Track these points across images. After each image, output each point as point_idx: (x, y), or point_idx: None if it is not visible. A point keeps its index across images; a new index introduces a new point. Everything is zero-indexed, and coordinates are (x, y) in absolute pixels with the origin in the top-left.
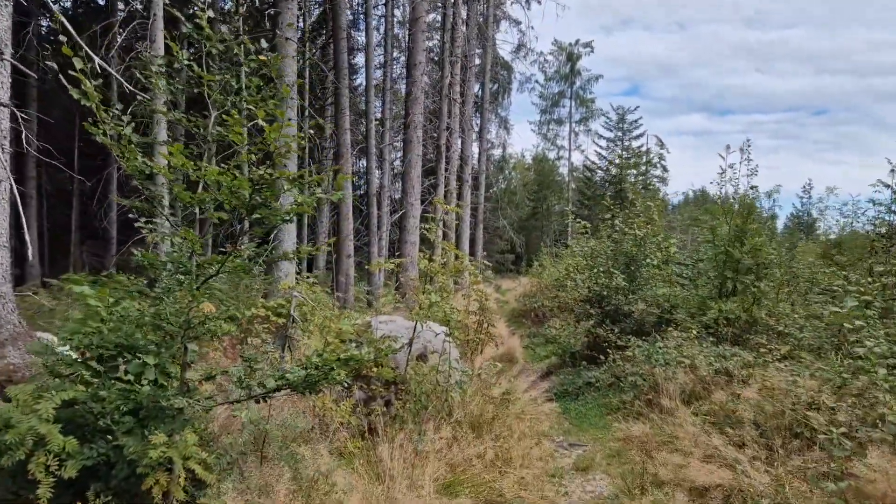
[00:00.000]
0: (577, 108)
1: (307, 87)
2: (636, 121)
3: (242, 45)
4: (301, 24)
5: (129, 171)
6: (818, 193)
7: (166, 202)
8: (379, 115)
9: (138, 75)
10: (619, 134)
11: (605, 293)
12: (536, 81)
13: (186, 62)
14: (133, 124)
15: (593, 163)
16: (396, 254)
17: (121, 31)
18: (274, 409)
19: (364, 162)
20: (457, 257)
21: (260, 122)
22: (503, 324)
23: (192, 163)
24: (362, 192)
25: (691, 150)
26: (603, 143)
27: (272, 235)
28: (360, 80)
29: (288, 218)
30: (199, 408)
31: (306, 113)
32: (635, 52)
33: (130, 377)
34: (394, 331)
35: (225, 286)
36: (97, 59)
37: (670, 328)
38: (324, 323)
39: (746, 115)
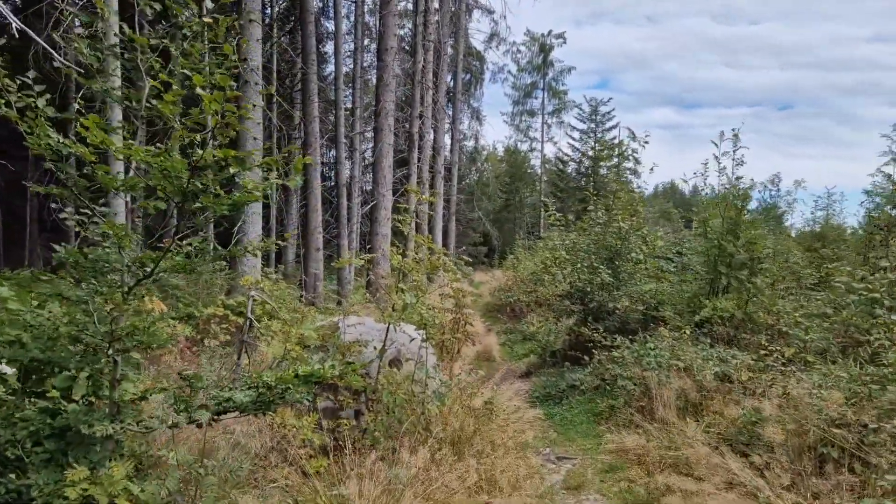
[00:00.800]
0: (550, 99)
1: (275, 73)
2: (609, 112)
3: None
4: (269, 11)
5: (36, 149)
6: (785, 187)
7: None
8: (350, 105)
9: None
10: (592, 126)
11: (588, 289)
12: (509, 72)
13: (119, 30)
14: (47, 96)
15: (566, 154)
16: (367, 247)
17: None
18: (224, 429)
19: (334, 152)
20: (432, 251)
21: (199, 91)
22: (478, 319)
23: (132, 144)
24: (332, 183)
25: (661, 144)
26: (576, 134)
27: (236, 228)
28: (331, 69)
29: (233, 207)
30: (134, 431)
31: (274, 100)
32: (606, 45)
33: (57, 394)
34: (364, 334)
35: (182, 282)
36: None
37: (657, 327)
38: (283, 327)
39: (713, 108)
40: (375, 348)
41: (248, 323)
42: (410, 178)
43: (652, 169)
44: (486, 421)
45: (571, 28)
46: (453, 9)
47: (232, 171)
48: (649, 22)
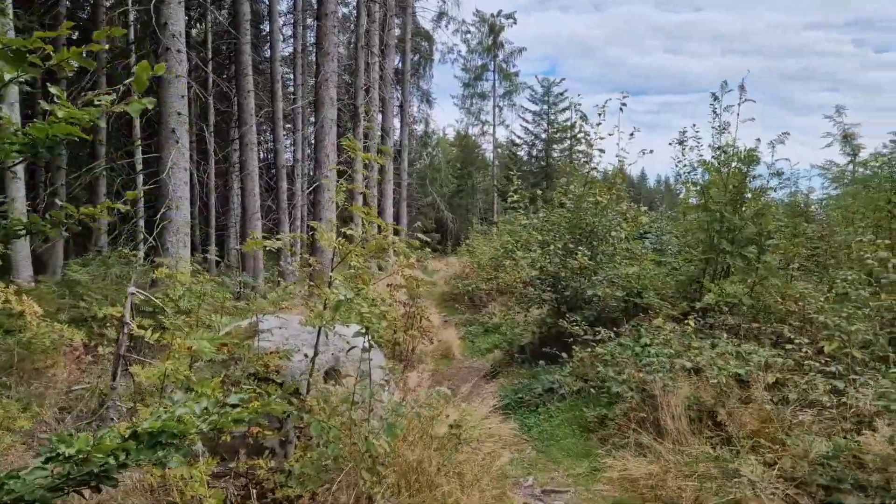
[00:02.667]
0: (501, 81)
1: (210, 46)
2: (562, 94)
3: None
4: None
5: None
6: None
7: None
8: (293, 85)
9: None
10: (545, 107)
11: (562, 274)
12: (459, 53)
13: None
14: None
15: (519, 137)
16: (311, 233)
17: None
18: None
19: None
20: (380, 230)
21: None
22: (434, 311)
23: None
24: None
25: (605, 130)
26: (529, 116)
27: (160, 213)
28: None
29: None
30: None
31: (210, 79)
32: (553, 31)
33: None
34: (290, 339)
35: (84, 277)
36: None
37: (642, 316)
38: (165, 337)
39: (660, 95)
40: (307, 356)
41: (123, 332)
42: (356, 160)
43: (602, 150)
44: (452, 451)
45: (520, 14)
46: None
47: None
48: (595, 9)
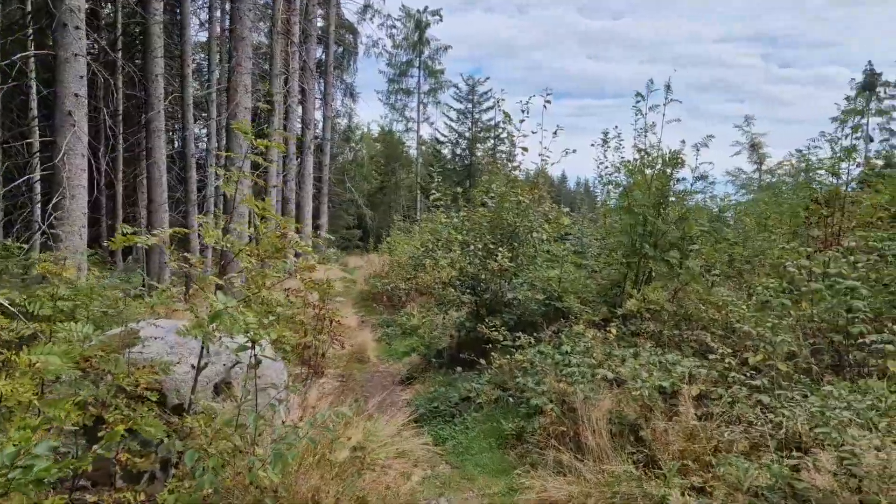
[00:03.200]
0: (426, 78)
1: (119, 27)
2: (486, 93)
3: None
4: None
5: None
6: None
7: None
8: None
9: None
10: (469, 106)
11: (482, 276)
12: (384, 48)
13: None
14: None
15: (443, 135)
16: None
17: None
18: None
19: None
20: (280, 227)
21: None
22: (350, 310)
23: None
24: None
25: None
26: (453, 114)
27: (52, 202)
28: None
29: None
30: None
31: (119, 63)
32: (478, 32)
33: None
34: (176, 348)
35: None
36: None
37: (562, 321)
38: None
39: (580, 99)
40: (194, 367)
41: None
42: (270, 150)
43: (526, 149)
44: (354, 477)
45: (445, 13)
46: None
47: None
48: (519, 12)
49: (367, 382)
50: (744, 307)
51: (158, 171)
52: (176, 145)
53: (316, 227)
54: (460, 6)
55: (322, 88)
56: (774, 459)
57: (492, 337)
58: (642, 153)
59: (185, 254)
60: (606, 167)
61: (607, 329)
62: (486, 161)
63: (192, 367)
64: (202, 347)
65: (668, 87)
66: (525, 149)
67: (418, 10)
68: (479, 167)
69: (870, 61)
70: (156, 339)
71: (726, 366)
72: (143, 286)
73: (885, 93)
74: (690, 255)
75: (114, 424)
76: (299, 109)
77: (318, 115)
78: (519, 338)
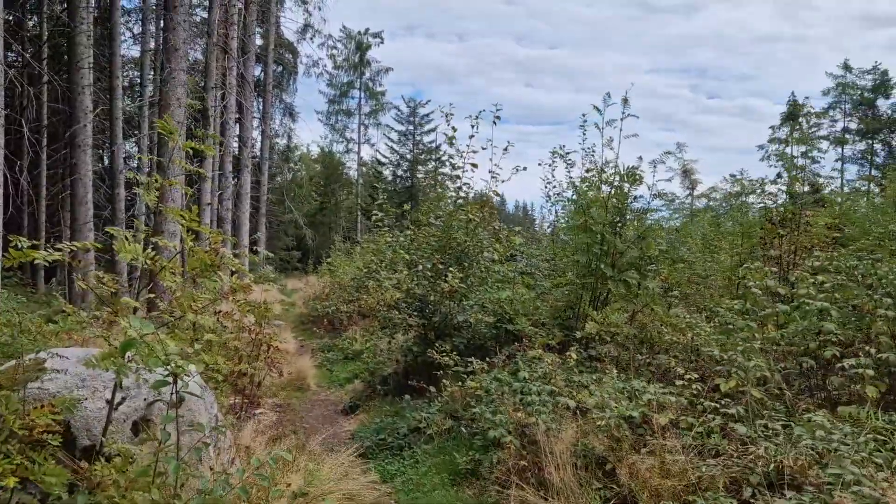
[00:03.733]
0: (367, 100)
1: (44, 38)
2: (427, 115)
3: None
4: None
5: None
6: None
7: None
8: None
9: None
10: (411, 128)
11: (431, 298)
12: (324, 67)
13: None
14: None
15: (385, 156)
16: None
17: None
18: None
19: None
20: (211, 242)
21: None
22: (289, 334)
23: None
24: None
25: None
26: (394, 136)
27: None
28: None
29: None
30: None
31: (43, 76)
32: (418, 58)
33: None
34: (89, 380)
35: None
36: None
37: (514, 344)
38: None
39: (517, 125)
40: (108, 402)
41: None
42: (205, 162)
43: (475, 165)
44: None
45: (386, 39)
46: None
47: None
48: (459, 39)
49: (308, 412)
50: (707, 329)
51: (84, 189)
52: (105, 162)
53: (254, 247)
54: (401, 32)
55: (261, 107)
56: (760, 496)
57: (442, 362)
58: (598, 169)
59: (100, 273)
60: (554, 186)
61: (566, 353)
62: (427, 182)
63: (107, 402)
64: (115, 387)
65: (625, 101)
66: (475, 164)
67: (359, 32)
68: (421, 188)
69: (793, 92)
70: (59, 371)
71: (694, 392)
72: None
73: (808, 122)
74: (649, 275)
75: (2, 476)
76: (237, 128)
77: (256, 133)
78: (471, 363)
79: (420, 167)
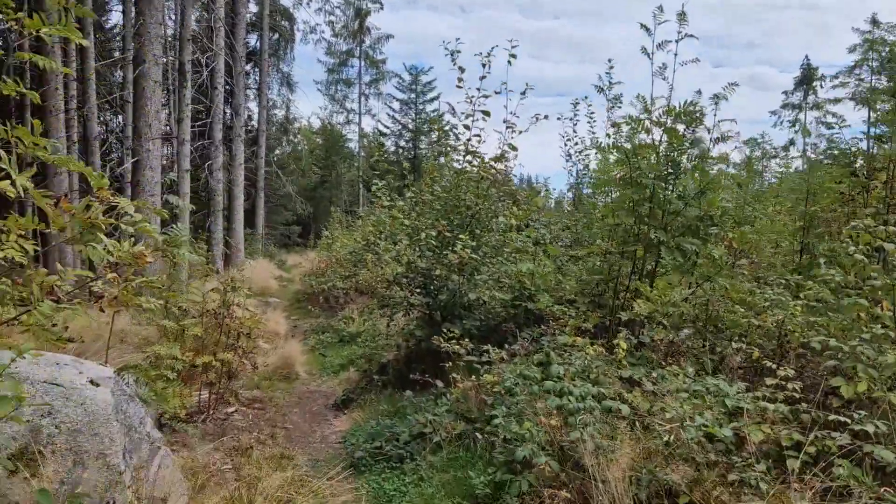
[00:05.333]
0: (368, 68)
1: None
2: (430, 83)
3: None
4: None
5: None
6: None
7: None
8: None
9: None
10: (413, 96)
11: (436, 272)
12: (322, 34)
13: None
14: None
15: (386, 127)
16: None
17: None
18: None
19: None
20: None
21: None
22: (281, 314)
23: None
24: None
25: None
26: (396, 105)
27: None
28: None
29: None
30: None
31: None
32: (421, 29)
33: None
34: None
35: None
36: None
37: (539, 326)
38: None
39: (524, 96)
40: None
41: None
42: (182, 124)
43: (487, 113)
44: None
45: (388, 11)
46: None
47: None
48: (462, 11)
49: (293, 408)
50: (797, 309)
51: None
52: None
53: (252, 224)
54: (404, 4)
55: (257, 77)
56: None
57: (451, 350)
58: (646, 106)
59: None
60: (576, 143)
61: (606, 339)
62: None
63: None
64: None
65: (682, 16)
66: (486, 112)
67: None
68: (424, 160)
69: (807, 56)
70: None
71: (790, 394)
72: None
73: (822, 86)
74: (709, 240)
75: None
76: (221, 86)
77: (253, 105)
78: (486, 351)
79: (423, 137)
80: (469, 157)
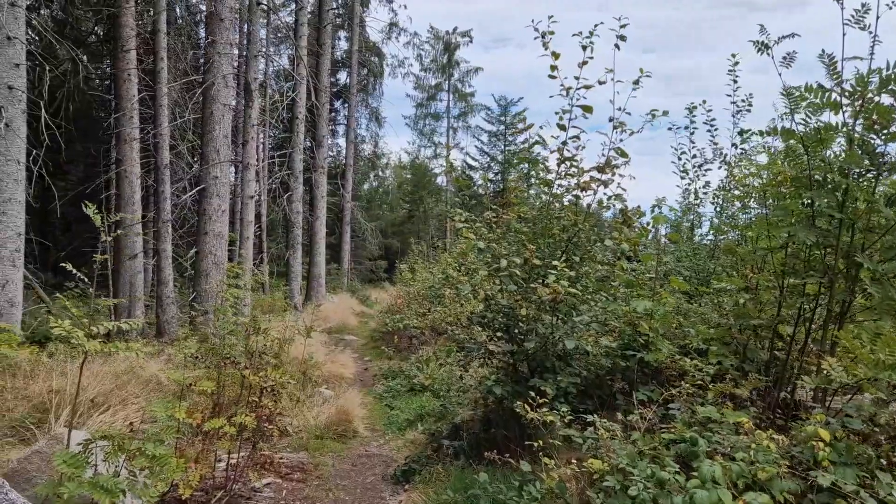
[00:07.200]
0: (456, 102)
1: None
2: (520, 114)
3: None
4: None
5: None
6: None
7: None
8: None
9: None
10: (502, 128)
11: (521, 311)
12: (410, 68)
13: None
14: None
15: (474, 159)
16: (193, 251)
17: None
18: None
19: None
20: None
21: None
22: (352, 354)
23: None
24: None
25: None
26: (484, 137)
27: None
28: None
29: None
30: None
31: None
32: (508, 66)
33: None
34: None
35: None
36: None
37: (655, 383)
38: None
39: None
40: None
41: None
42: (247, 146)
43: (589, 109)
44: None
45: (478, 50)
46: None
47: None
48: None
49: (342, 480)
50: None
51: (130, 189)
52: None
53: (338, 260)
54: (493, 44)
55: (346, 113)
56: None
57: (542, 419)
58: (833, 67)
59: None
60: (694, 155)
61: (779, 416)
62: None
63: None
64: None
65: None
66: (587, 109)
67: (447, 32)
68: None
69: None
70: None
71: None
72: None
73: None
74: None
75: None
76: (302, 111)
77: (341, 141)
78: (590, 422)
79: (512, 170)
80: (563, 166)
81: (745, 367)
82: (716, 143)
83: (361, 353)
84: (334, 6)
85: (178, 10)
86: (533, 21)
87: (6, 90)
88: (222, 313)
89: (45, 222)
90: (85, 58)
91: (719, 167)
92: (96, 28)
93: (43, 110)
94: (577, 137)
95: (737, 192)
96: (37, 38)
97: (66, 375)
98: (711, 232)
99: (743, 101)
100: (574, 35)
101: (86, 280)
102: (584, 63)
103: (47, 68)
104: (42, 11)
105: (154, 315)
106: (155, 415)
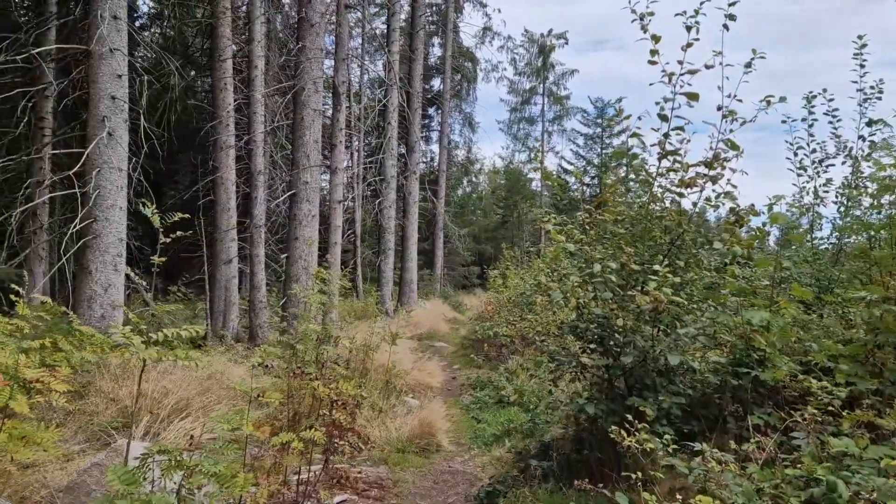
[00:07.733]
0: (551, 105)
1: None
2: (618, 102)
3: None
4: None
5: None
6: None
7: None
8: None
9: None
10: (599, 130)
11: (617, 322)
12: (504, 73)
13: None
14: None
15: (570, 163)
16: (284, 256)
17: None
18: None
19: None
20: None
21: None
22: (441, 362)
23: None
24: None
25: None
26: (580, 140)
27: (75, 226)
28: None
29: None
30: None
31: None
32: (604, 70)
33: None
34: None
35: None
36: None
37: (771, 405)
38: None
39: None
40: None
41: None
42: (335, 150)
43: (694, 96)
44: None
45: (573, 54)
46: (441, 2)
47: None
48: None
49: (421, 499)
50: None
51: (226, 195)
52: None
53: (431, 266)
54: (590, 46)
55: (439, 119)
56: None
57: (641, 446)
58: None
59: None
60: (814, 150)
61: None
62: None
63: None
64: None
65: None
66: (692, 96)
67: (542, 35)
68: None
69: None
70: None
71: None
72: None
73: None
74: None
75: None
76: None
77: (434, 147)
78: (698, 450)
79: (610, 174)
80: (666, 161)
81: (885, 390)
82: (838, 136)
83: (450, 361)
84: (427, 13)
85: (271, 19)
86: (630, 2)
87: (109, 100)
88: (305, 319)
89: (152, 228)
90: (193, 72)
91: (843, 162)
92: (204, 42)
93: (142, 119)
94: (682, 129)
95: (869, 189)
96: (149, 54)
97: (148, 381)
98: (835, 234)
99: (872, 87)
100: (677, 15)
101: (187, 285)
102: (689, 45)
103: (145, 78)
104: (153, 29)
105: (248, 319)
106: (217, 428)
